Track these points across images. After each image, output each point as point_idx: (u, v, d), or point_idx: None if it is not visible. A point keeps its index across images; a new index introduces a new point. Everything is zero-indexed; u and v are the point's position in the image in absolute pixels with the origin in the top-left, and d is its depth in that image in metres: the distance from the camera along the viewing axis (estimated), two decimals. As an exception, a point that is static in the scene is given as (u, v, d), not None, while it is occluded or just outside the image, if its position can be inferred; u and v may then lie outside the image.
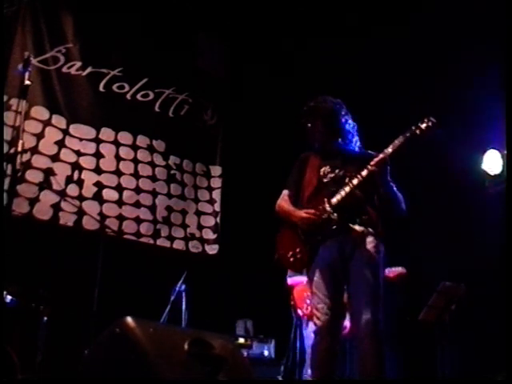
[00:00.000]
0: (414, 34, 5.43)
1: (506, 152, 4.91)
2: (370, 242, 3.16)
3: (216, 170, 6.67)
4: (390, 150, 3.08)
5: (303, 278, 4.35)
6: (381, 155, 3.09)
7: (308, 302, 4.61)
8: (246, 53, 6.70)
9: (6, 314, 3.49)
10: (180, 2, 6.36)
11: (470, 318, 4.78)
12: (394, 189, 3.21)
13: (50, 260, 5.00)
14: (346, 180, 3.19)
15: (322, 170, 3.32)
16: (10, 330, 3.44)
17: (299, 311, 4.60)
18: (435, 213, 5.42)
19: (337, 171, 3.27)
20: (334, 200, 3.15)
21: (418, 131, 3.08)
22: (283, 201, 3.44)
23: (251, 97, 6.59)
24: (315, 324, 3.18)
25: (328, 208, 3.15)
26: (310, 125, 3.37)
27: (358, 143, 3.42)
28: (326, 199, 3.17)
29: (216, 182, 6.64)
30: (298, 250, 3.23)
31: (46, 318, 3.93)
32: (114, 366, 2.03)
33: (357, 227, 3.17)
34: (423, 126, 3.08)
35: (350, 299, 3.17)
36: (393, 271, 4.37)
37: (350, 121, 3.41)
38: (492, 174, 5.15)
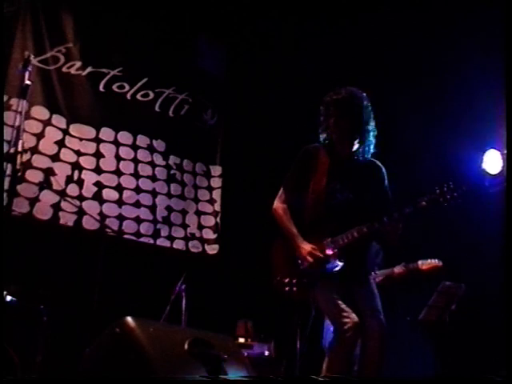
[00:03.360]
0: (414, 33, 5.43)
1: (506, 152, 4.91)
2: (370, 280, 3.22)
3: (216, 170, 6.67)
4: (407, 210, 2.99)
5: None
6: (395, 216, 2.98)
7: None
8: (246, 53, 6.70)
9: (6, 314, 3.49)
10: (180, 3, 6.36)
11: (470, 318, 4.78)
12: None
13: (50, 260, 5.00)
14: (349, 197, 3.17)
15: (331, 186, 3.18)
16: (10, 330, 3.44)
17: None
18: (435, 213, 5.41)
19: (346, 194, 3.17)
20: (341, 242, 3.08)
21: (441, 199, 2.96)
22: (282, 209, 3.30)
23: (251, 97, 6.59)
24: (342, 326, 3.07)
25: (332, 252, 3.10)
26: (333, 120, 3.19)
27: (372, 147, 3.27)
28: (330, 241, 3.11)
29: (216, 182, 6.63)
30: (294, 280, 3.16)
31: (45, 318, 3.93)
32: (114, 365, 2.03)
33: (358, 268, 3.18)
34: (448, 196, 2.95)
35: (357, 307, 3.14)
36: (427, 263, 4.10)
37: (373, 122, 3.25)
38: (492, 173, 5.15)
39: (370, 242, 3.20)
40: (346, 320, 3.02)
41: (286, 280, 3.18)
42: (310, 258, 3.10)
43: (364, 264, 3.22)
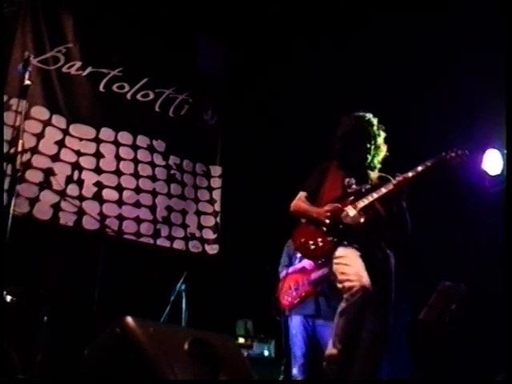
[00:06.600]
0: (414, 34, 5.43)
1: (505, 152, 4.91)
2: (389, 257, 3.28)
3: (216, 170, 6.67)
4: (410, 174, 3.21)
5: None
6: (400, 178, 3.20)
7: (292, 293, 4.49)
8: (246, 53, 6.70)
9: (6, 314, 3.49)
10: (180, 2, 6.36)
11: (469, 318, 4.78)
12: (406, 215, 3.29)
13: (50, 260, 5.00)
14: (367, 187, 3.31)
15: (347, 180, 3.38)
16: (10, 330, 3.44)
17: (283, 301, 4.48)
18: (435, 213, 5.42)
19: (362, 185, 3.35)
20: (361, 204, 3.22)
21: (447, 156, 3.22)
22: (300, 201, 3.48)
23: (251, 97, 6.59)
24: (352, 287, 3.06)
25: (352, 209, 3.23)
26: (347, 142, 3.43)
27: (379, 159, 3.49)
28: (349, 204, 3.25)
29: (216, 182, 6.63)
30: (319, 239, 3.27)
31: (46, 318, 3.93)
32: (114, 365, 2.03)
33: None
34: (453, 153, 3.21)
35: None
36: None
37: (382, 139, 3.47)
38: (492, 174, 5.15)
39: (383, 212, 3.26)
40: (355, 283, 3.02)
41: (311, 242, 3.30)
42: (327, 213, 3.23)
43: (381, 229, 3.29)
